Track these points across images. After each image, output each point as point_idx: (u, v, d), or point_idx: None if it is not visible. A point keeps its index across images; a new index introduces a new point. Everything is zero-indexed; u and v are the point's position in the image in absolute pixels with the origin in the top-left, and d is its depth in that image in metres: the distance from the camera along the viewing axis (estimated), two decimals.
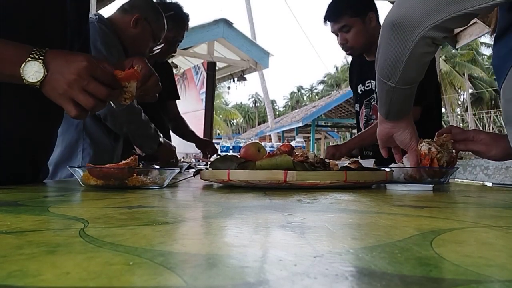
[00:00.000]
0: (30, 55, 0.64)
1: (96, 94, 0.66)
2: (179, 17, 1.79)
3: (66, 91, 0.64)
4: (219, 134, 25.56)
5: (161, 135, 1.58)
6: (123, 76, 0.73)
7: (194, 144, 2.25)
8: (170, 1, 1.86)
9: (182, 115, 2.28)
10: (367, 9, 1.60)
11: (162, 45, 1.64)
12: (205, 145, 2.21)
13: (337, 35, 1.65)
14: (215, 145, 2.31)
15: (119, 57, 1.41)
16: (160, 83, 0.84)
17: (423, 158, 0.94)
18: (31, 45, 0.65)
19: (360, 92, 1.74)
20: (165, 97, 2.07)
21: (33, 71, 0.63)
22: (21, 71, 0.63)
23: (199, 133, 4.73)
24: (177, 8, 1.80)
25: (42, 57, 0.64)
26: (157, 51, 1.62)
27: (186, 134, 2.27)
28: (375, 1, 1.71)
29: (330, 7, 1.63)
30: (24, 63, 0.63)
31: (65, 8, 0.84)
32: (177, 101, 2.24)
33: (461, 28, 4.81)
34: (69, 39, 0.87)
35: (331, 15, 1.63)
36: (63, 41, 0.85)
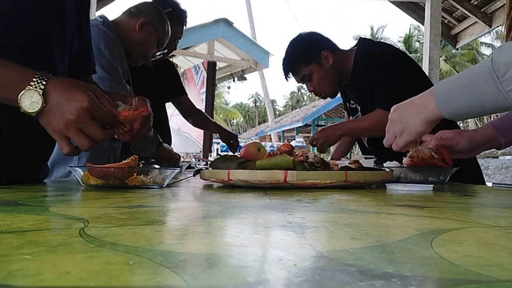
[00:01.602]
0: (31, 82, 0.62)
1: (93, 136, 0.66)
2: (177, 14, 1.79)
3: (63, 130, 0.64)
4: None
5: (159, 137, 1.58)
6: (132, 116, 0.75)
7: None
8: None
9: None
10: (317, 51, 1.54)
11: (165, 51, 1.63)
12: (229, 137, 2.19)
13: (303, 83, 1.62)
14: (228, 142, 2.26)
15: (121, 61, 1.41)
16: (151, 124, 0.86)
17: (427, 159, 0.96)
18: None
19: (349, 107, 1.71)
20: (172, 95, 2.08)
21: (30, 101, 0.62)
22: (18, 99, 0.62)
23: (200, 133, 4.73)
24: (174, 4, 1.80)
25: (43, 86, 0.62)
26: (159, 57, 1.62)
27: (209, 125, 2.26)
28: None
29: (283, 63, 1.60)
30: (23, 91, 0.62)
31: (63, 4, 0.84)
32: None
33: (461, 28, 4.81)
34: (68, 36, 0.87)
35: (287, 71, 1.60)
36: (63, 38, 0.85)
